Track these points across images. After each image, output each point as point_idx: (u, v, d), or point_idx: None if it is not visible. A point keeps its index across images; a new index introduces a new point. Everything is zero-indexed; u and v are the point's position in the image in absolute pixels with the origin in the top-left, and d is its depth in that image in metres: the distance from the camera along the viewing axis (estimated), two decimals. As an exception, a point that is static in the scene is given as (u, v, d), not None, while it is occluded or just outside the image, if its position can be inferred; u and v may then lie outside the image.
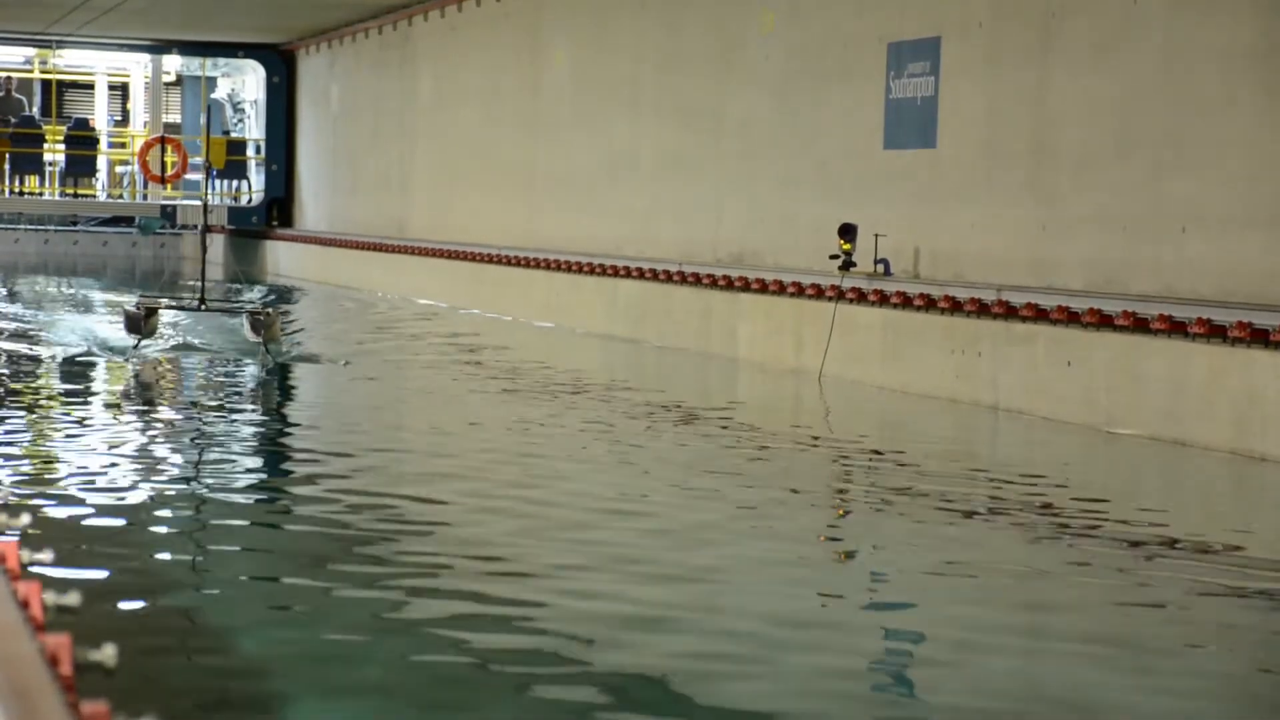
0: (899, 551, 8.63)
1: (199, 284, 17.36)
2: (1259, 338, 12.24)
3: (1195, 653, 6.86)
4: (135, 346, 16.31)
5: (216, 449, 11.02)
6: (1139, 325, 13.32)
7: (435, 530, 8.59)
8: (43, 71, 42.41)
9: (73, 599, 3.58)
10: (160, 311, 17.02)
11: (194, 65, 41.91)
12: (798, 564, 8.27)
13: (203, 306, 17.15)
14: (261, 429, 12.36)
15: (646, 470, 10.75)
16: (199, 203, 39.84)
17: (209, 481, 9.78)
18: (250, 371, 15.69)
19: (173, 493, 9.44)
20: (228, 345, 17.46)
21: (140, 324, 16.33)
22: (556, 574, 7.62)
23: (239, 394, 14.45)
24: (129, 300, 18.17)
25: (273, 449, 11.50)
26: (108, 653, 3.28)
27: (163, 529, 8.57)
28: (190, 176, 40.55)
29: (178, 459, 10.62)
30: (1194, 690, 6.30)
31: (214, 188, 40.88)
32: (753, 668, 6.20)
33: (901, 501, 9.97)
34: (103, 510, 8.83)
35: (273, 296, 23.71)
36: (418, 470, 10.76)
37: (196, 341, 18.01)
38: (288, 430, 12.50)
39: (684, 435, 12.53)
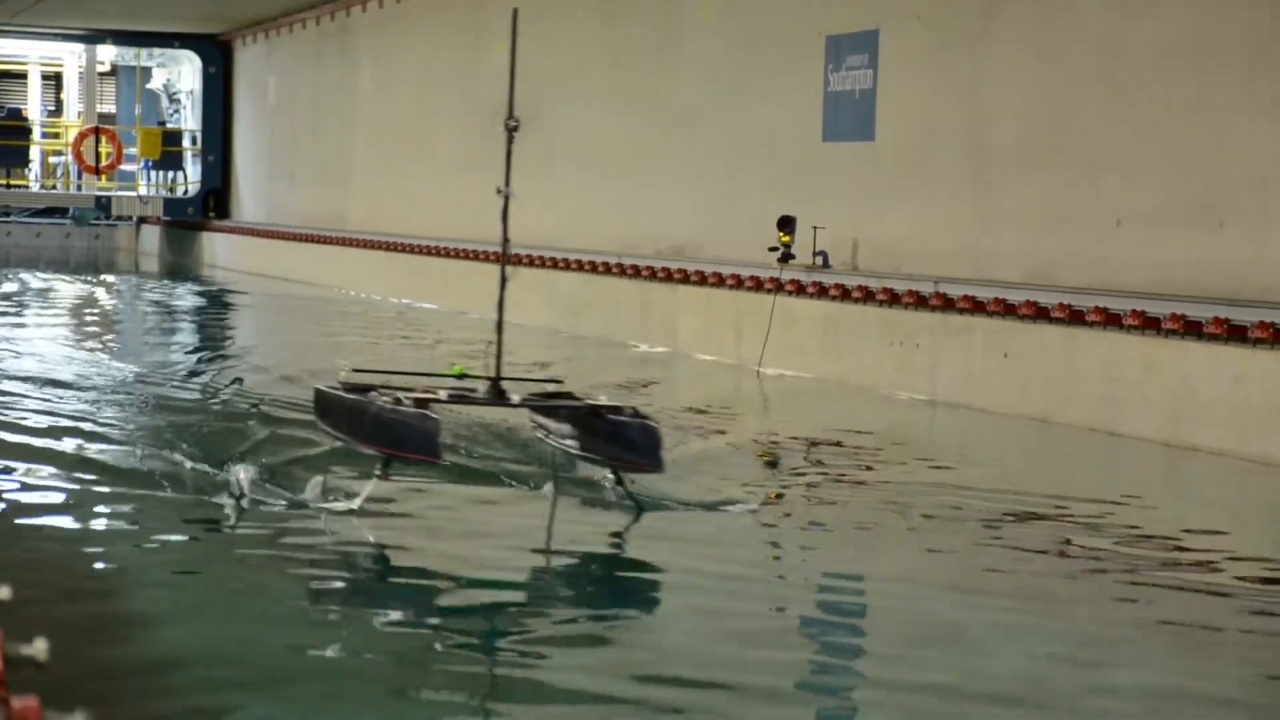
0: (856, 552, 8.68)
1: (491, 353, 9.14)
2: (1192, 330, 12.36)
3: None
4: (382, 475, 8.80)
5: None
6: (1075, 317, 13.42)
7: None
8: (-25, 61, 41.92)
9: (4, 593, 3.54)
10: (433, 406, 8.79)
11: (129, 55, 41.53)
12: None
13: (506, 397, 9.19)
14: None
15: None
16: (134, 194, 39.66)
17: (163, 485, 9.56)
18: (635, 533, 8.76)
19: (112, 492, 9.30)
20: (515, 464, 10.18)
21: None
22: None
23: None
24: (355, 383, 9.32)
25: None
26: (39, 647, 3.24)
27: (102, 524, 8.47)
28: (125, 167, 40.21)
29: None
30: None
31: (149, 179, 40.56)
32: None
33: (849, 501, 10.02)
34: (44, 510, 8.73)
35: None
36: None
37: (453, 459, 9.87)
38: None
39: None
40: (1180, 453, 12.03)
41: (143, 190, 40.32)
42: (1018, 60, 15.23)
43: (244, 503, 8.71)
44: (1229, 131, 13.11)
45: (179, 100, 41.61)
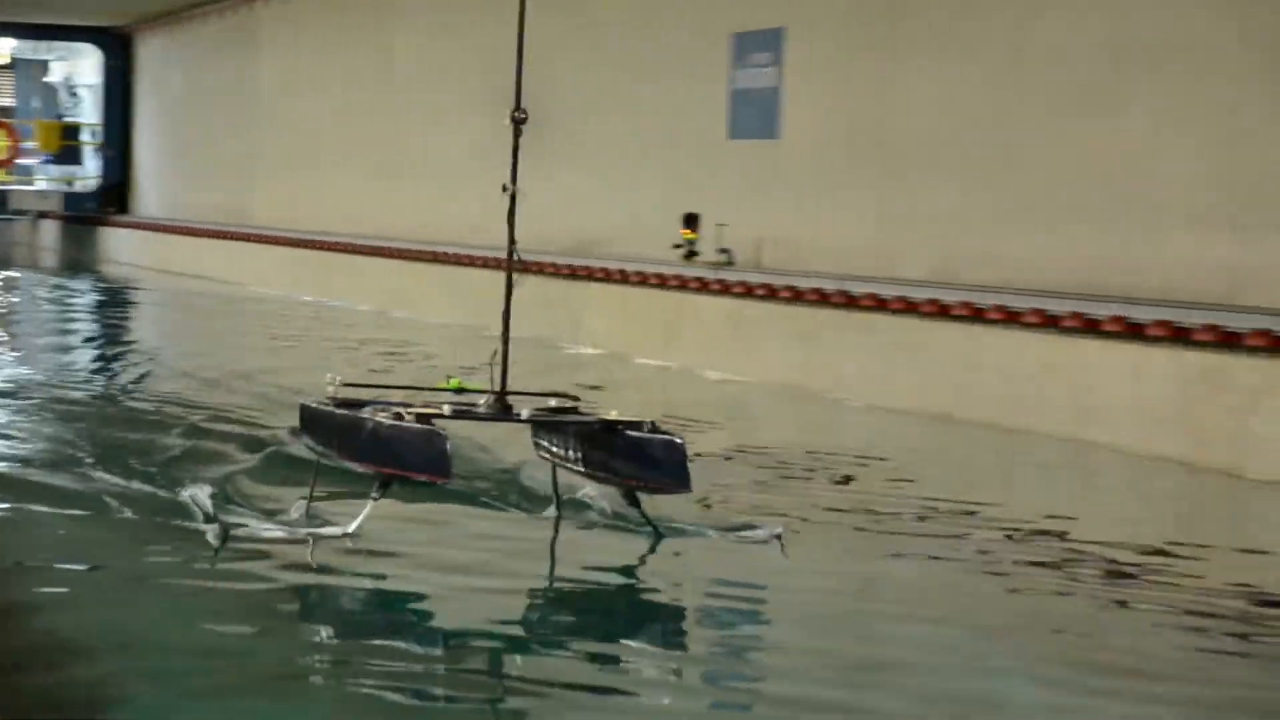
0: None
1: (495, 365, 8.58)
2: (1091, 328, 12.51)
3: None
4: (380, 496, 8.09)
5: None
6: (976, 315, 13.54)
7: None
8: None
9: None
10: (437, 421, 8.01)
11: (28, 48, 40.86)
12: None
13: (513, 413, 8.52)
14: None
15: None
16: (32, 189, 39.00)
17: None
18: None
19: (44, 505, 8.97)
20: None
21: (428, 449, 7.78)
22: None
23: None
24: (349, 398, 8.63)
25: None
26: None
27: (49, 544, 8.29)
28: (23, 161, 39.57)
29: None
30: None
31: (47, 173, 39.94)
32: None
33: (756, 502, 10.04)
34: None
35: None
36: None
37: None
38: None
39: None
40: (1080, 449, 12.16)
41: (41, 185, 39.68)
42: (924, 60, 15.34)
43: (217, 525, 7.91)
44: (1130, 131, 13.28)
45: (79, 94, 41.02)
